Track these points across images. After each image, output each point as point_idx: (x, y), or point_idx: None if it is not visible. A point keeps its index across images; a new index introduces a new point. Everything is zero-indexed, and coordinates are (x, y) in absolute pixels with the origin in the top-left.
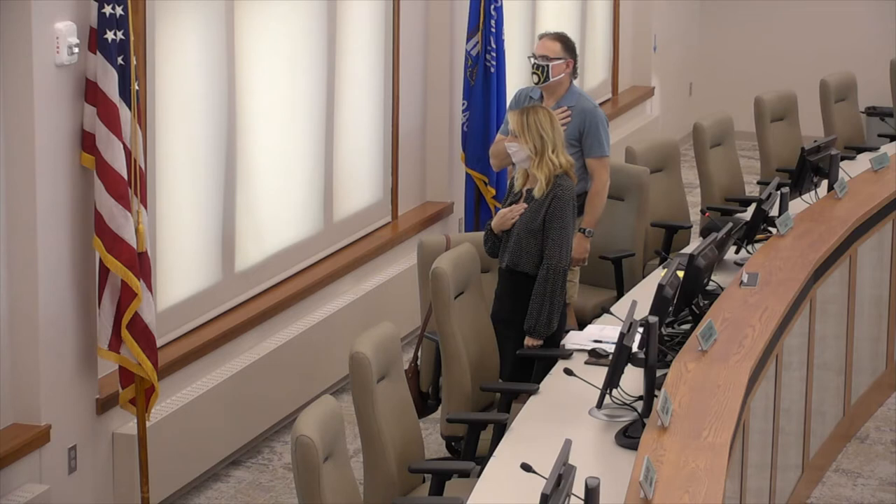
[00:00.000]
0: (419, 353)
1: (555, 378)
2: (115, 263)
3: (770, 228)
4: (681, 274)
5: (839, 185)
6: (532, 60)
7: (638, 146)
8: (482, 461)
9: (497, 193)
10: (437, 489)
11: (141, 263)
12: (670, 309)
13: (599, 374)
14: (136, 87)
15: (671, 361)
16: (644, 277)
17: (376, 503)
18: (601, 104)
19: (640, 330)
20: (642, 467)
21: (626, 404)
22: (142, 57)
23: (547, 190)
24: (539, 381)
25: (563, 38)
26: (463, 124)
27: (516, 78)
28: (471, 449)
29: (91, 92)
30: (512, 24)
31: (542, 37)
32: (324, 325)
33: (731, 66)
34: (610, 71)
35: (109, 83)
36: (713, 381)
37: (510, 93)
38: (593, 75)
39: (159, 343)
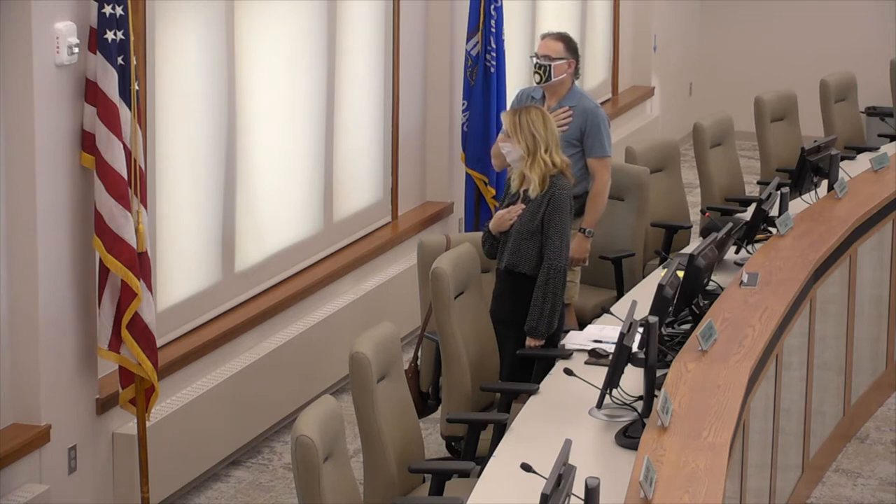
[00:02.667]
0: (419, 353)
1: (555, 378)
2: (115, 263)
3: (770, 228)
4: (681, 274)
5: (839, 185)
6: (534, 60)
7: (638, 146)
8: (482, 461)
9: (497, 193)
10: (437, 489)
11: (141, 263)
12: (670, 309)
13: (599, 374)
14: (136, 87)
15: (671, 361)
16: (644, 277)
17: (376, 503)
18: (601, 104)
19: (640, 330)
20: (642, 467)
21: (626, 404)
22: (142, 57)
23: (543, 190)
24: (539, 381)
25: (565, 38)
26: (463, 124)
27: (516, 78)
28: (471, 449)
29: (91, 92)
30: (512, 24)
31: (544, 37)
32: (324, 325)
33: (731, 66)
34: (610, 71)
35: (109, 83)
36: (713, 381)
37: (510, 93)
38: (593, 75)
39: (159, 343)
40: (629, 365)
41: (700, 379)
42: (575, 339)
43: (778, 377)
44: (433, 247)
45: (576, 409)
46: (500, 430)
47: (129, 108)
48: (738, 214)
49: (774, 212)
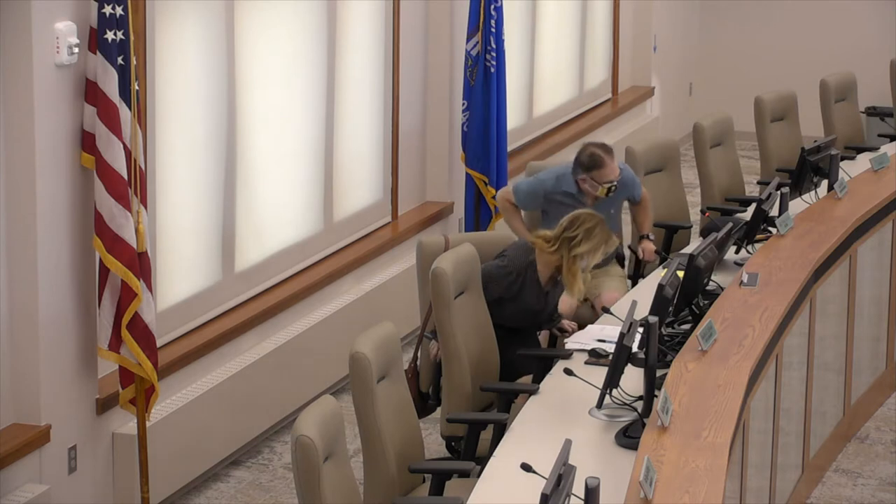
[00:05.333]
0: (419, 353)
1: (555, 378)
2: (115, 263)
3: (770, 228)
4: (681, 274)
5: (839, 185)
6: (608, 185)
7: (638, 146)
8: (482, 461)
9: (497, 194)
10: (437, 489)
11: (141, 263)
12: (670, 309)
13: (599, 374)
14: (136, 87)
15: (671, 361)
16: (644, 277)
17: (376, 503)
18: (601, 104)
19: (640, 330)
20: (642, 467)
21: (626, 404)
22: (142, 57)
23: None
24: (539, 380)
25: (611, 152)
26: (463, 124)
27: (516, 78)
28: (471, 449)
29: (91, 92)
30: (512, 24)
31: (605, 161)
32: (324, 325)
33: (731, 66)
34: (610, 71)
35: (109, 83)
36: (713, 381)
37: (510, 93)
38: (593, 75)
39: (159, 343)
40: (629, 365)
41: (700, 379)
42: (575, 339)
43: (778, 377)
44: (433, 247)
45: (576, 409)
46: (500, 430)
47: (129, 108)
48: (738, 214)
49: (774, 212)
